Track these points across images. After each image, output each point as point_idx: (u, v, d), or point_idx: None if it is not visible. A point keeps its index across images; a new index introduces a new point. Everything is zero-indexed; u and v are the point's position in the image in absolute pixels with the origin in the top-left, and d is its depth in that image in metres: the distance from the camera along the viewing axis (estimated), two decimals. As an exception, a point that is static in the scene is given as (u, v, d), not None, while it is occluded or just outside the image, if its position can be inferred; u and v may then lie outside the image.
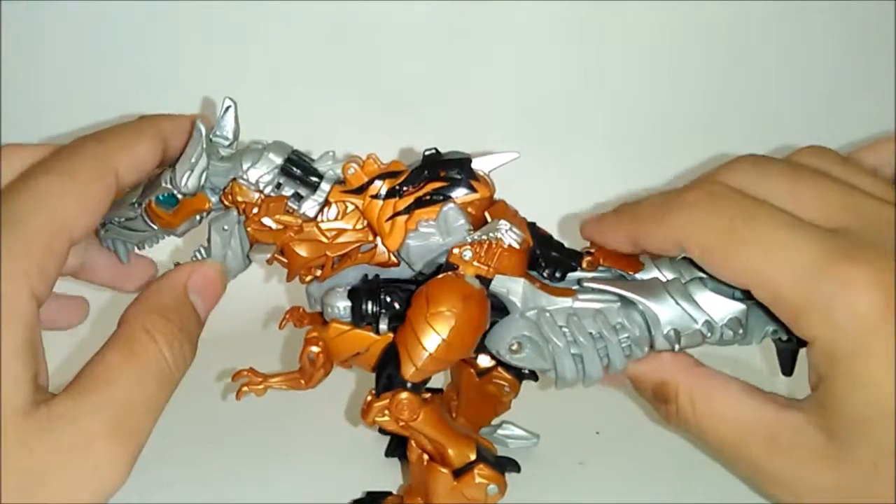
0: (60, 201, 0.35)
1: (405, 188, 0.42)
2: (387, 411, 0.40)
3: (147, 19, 0.73)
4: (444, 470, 0.41)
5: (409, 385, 0.40)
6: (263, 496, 0.49)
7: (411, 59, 0.75)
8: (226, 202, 0.42)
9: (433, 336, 0.39)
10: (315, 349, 0.42)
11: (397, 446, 0.52)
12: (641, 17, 0.73)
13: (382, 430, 0.55)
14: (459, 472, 0.41)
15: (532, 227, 0.43)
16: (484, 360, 0.50)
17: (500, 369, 0.50)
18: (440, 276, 0.40)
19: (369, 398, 0.41)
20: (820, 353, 0.35)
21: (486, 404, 0.51)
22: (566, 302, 0.42)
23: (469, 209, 0.42)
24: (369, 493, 0.46)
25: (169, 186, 0.42)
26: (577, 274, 0.43)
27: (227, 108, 0.43)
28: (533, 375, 0.51)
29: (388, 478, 0.50)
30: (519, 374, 0.50)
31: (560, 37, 0.75)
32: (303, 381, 0.42)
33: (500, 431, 0.54)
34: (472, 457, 0.41)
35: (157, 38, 0.74)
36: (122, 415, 0.33)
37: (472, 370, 0.51)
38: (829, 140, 0.69)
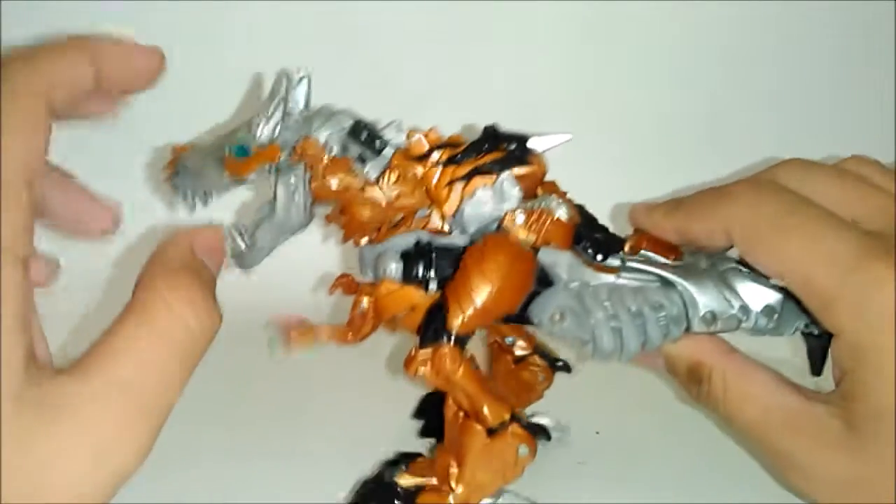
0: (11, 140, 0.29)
1: (464, 158, 0.44)
2: (429, 363, 0.42)
3: (148, 18, 0.75)
4: (478, 427, 0.42)
5: (453, 338, 0.41)
6: (286, 476, 0.50)
7: (414, 58, 0.77)
8: (294, 157, 0.45)
9: (484, 286, 0.41)
10: (366, 301, 0.44)
11: (430, 428, 0.53)
12: (658, 17, 0.76)
13: (416, 415, 0.56)
14: (493, 431, 0.42)
15: (580, 209, 0.45)
16: (520, 349, 0.52)
17: (535, 357, 0.51)
18: (492, 234, 0.42)
19: (413, 352, 0.42)
20: (846, 345, 0.37)
21: (520, 391, 0.53)
22: (609, 278, 0.44)
23: (523, 182, 0.44)
24: (401, 454, 0.47)
25: (244, 136, 0.44)
26: (619, 257, 0.45)
27: (302, 78, 0.46)
28: (566, 366, 0.52)
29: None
30: (553, 364, 0.52)
31: (570, 35, 0.78)
32: (350, 335, 0.44)
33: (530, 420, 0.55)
34: (507, 417, 0.42)
35: (158, 38, 0.76)
36: (136, 396, 0.29)
37: (508, 357, 0.52)
38: (827, 137, 0.71)
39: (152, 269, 0.32)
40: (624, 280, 0.44)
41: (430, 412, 0.54)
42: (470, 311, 0.41)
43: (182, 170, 0.46)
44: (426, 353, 0.41)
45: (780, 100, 0.79)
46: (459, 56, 0.78)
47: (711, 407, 0.42)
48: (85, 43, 0.33)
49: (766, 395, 0.40)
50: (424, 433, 0.54)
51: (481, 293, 0.41)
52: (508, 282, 0.41)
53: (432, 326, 0.42)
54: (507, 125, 0.75)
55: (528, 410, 0.54)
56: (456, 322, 0.41)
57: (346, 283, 0.49)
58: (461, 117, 0.75)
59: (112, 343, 0.29)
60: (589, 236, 0.45)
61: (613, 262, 0.45)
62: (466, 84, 0.78)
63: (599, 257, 0.45)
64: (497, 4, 0.76)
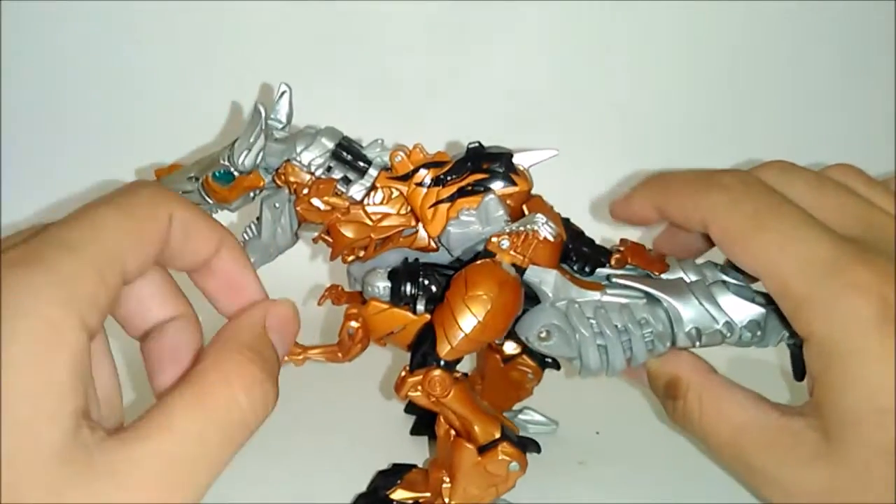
0: (116, 233, 0.32)
1: (449, 178, 0.44)
2: (419, 387, 0.42)
3: (151, 18, 0.75)
4: (469, 446, 0.43)
5: (442, 363, 0.42)
6: (286, 477, 0.50)
7: (414, 57, 0.77)
8: (278, 182, 0.45)
9: (470, 317, 0.41)
10: (354, 324, 0.44)
11: (422, 426, 0.55)
12: (646, 18, 0.75)
13: (408, 410, 0.57)
14: (484, 449, 0.43)
15: (566, 223, 0.46)
16: (509, 347, 0.53)
17: (524, 356, 0.52)
18: (478, 261, 0.42)
19: (403, 374, 0.43)
20: (815, 349, 0.37)
21: (509, 389, 0.54)
22: (595, 295, 0.44)
23: (508, 201, 0.44)
24: (395, 465, 0.48)
25: (226, 164, 0.44)
26: (606, 270, 0.45)
27: (283, 93, 0.45)
28: (555, 364, 0.53)
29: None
30: (542, 363, 0.53)
31: (568, 36, 0.77)
32: (340, 354, 0.45)
33: (520, 416, 0.56)
34: (497, 435, 0.43)
35: (160, 38, 0.75)
36: (176, 468, 0.29)
37: (497, 356, 0.53)
38: (828, 136, 0.72)
39: (221, 341, 0.34)
40: (610, 297, 0.44)
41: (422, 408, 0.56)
42: (457, 342, 0.41)
43: None
44: (416, 377, 0.42)
45: (777, 102, 0.78)
46: (459, 56, 0.77)
47: (687, 425, 0.43)
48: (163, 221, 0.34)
49: (742, 414, 0.40)
50: (416, 431, 0.55)
51: (468, 324, 0.41)
52: (494, 312, 0.41)
53: (421, 351, 0.43)
54: (506, 126, 0.76)
55: (518, 406, 0.56)
56: (444, 351, 0.42)
57: (335, 295, 0.49)
58: (460, 117, 0.75)
59: (164, 413, 0.30)
60: (577, 251, 0.45)
61: (601, 274, 0.45)
62: (465, 84, 0.78)
63: (587, 270, 0.45)
64: (496, 5, 0.75)
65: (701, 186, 0.42)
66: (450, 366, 0.42)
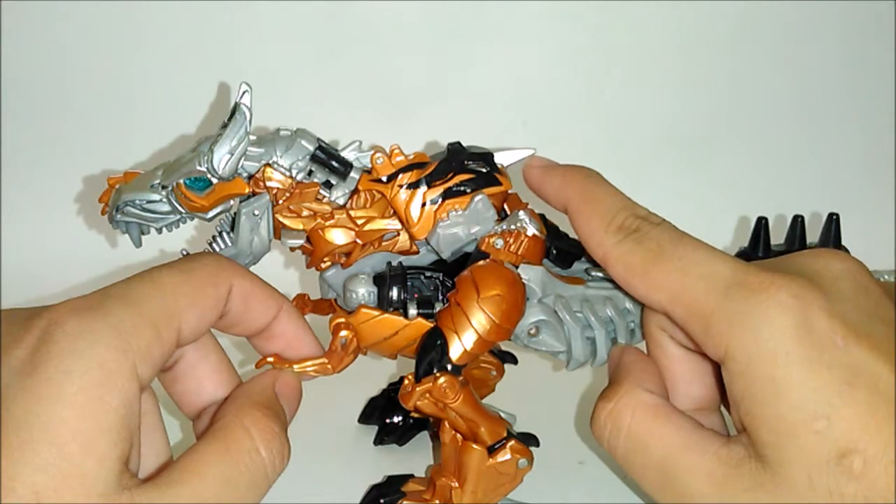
0: (176, 294, 0.35)
1: (434, 179, 0.43)
2: (428, 395, 0.41)
3: (152, 18, 0.73)
4: (477, 447, 0.43)
5: (449, 368, 0.41)
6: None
7: (411, 58, 0.76)
8: (256, 187, 0.42)
9: (485, 319, 0.41)
10: (346, 334, 0.42)
11: (383, 432, 0.54)
12: (645, 19, 0.77)
13: (362, 420, 0.56)
14: (492, 449, 0.43)
15: (542, 218, 0.46)
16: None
17: (486, 353, 0.52)
18: (481, 263, 0.42)
19: (408, 384, 0.42)
20: (734, 367, 0.35)
21: (474, 388, 0.54)
22: (579, 289, 0.45)
23: (491, 201, 0.44)
24: (390, 478, 0.47)
25: (203, 169, 0.41)
26: (581, 264, 0.47)
27: (244, 92, 0.43)
28: (513, 359, 0.54)
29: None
30: (502, 358, 0.53)
31: (569, 36, 0.78)
32: (330, 367, 0.43)
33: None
34: (504, 433, 0.43)
35: (160, 38, 0.74)
36: None
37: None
38: (827, 140, 0.76)
39: (239, 400, 0.37)
40: (593, 290, 0.45)
41: (375, 415, 0.55)
42: (471, 344, 0.41)
43: (122, 204, 0.42)
44: (425, 386, 0.41)
45: (777, 102, 0.80)
46: (459, 56, 0.77)
47: (610, 434, 0.39)
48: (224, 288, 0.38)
49: (678, 436, 0.37)
50: (380, 440, 0.54)
51: (483, 326, 0.41)
52: (507, 311, 0.41)
53: (426, 360, 0.42)
54: (505, 127, 0.76)
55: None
56: (457, 354, 0.41)
57: (300, 304, 0.47)
58: (461, 117, 0.76)
59: (194, 461, 0.33)
60: (556, 246, 0.46)
61: (577, 268, 0.46)
62: (466, 84, 0.77)
63: (565, 264, 0.46)
64: (497, 4, 0.75)
65: (607, 223, 0.40)
66: (457, 370, 0.42)
